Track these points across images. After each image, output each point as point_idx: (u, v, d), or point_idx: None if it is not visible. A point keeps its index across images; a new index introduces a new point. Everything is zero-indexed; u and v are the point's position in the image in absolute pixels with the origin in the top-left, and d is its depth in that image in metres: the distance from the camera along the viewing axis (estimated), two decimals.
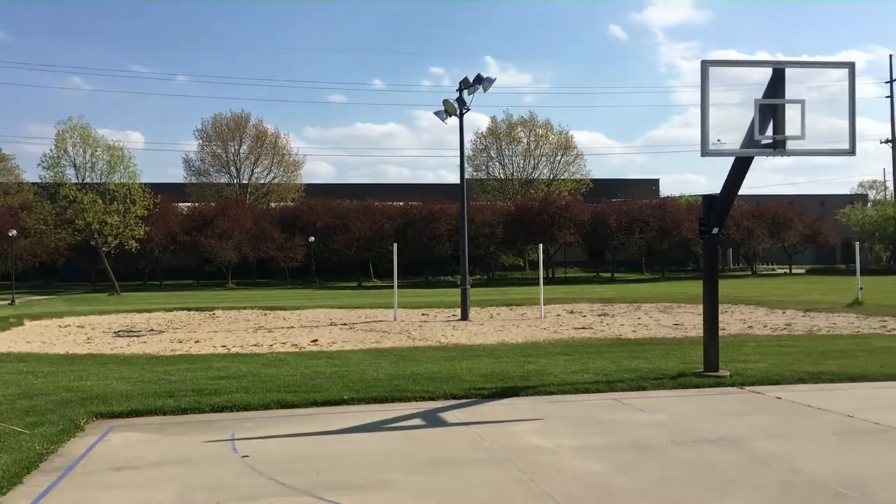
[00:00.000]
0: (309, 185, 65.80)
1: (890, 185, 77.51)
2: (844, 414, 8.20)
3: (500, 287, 44.81)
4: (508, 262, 59.17)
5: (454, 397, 9.37)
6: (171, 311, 26.35)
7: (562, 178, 68.02)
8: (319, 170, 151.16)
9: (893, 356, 12.06)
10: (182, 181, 64.32)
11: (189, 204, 56.16)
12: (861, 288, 25.96)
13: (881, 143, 73.77)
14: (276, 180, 65.34)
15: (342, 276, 53.08)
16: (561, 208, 53.50)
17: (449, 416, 8.46)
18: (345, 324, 20.87)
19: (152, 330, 19.75)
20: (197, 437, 7.58)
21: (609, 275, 55.38)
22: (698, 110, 9.27)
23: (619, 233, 53.84)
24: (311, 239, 50.82)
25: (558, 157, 68.32)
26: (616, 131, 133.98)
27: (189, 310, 26.67)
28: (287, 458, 6.76)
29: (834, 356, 12.13)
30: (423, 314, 24.01)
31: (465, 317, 22.03)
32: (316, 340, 16.52)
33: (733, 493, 5.64)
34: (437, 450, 6.98)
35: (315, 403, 9.05)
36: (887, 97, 72.06)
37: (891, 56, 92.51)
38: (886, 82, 71.95)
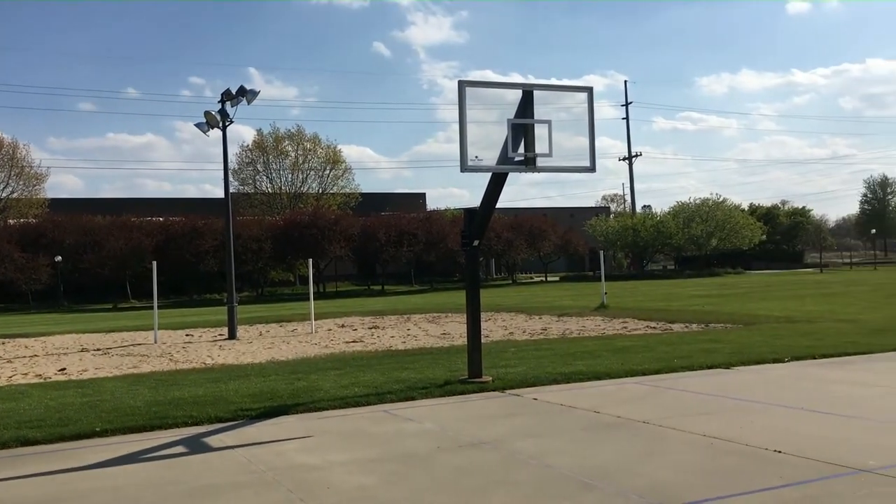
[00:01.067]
0: (54, 200, 60.56)
1: (629, 198, 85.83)
2: (591, 410, 8.92)
3: (270, 303, 43.90)
4: (278, 278, 58.14)
5: (220, 420, 9.00)
6: None
7: (331, 192, 68.29)
8: (66, 183, 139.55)
9: (633, 354, 13.33)
10: None
11: None
12: (606, 293, 28.58)
13: (619, 160, 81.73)
14: (14, 195, 59.56)
15: (96, 297, 49.23)
16: (330, 222, 53.60)
17: (214, 440, 8.11)
18: (98, 349, 19.35)
19: None
20: None
21: (380, 287, 56.23)
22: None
23: (388, 246, 54.87)
24: (58, 258, 46.77)
25: (327, 171, 68.54)
26: (383, 146, 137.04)
27: None
28: (30, 501, 6.12)
29: (583, 357, 13.17)
30: (187, 335, 22.88)
31: (232, 336, 21.31)
32: (64, 369, 15.14)
33: (495, 493, 5.92)
34: (203, 477, 6.66)
35: (63, 438, 8.28)
36: (623, 119, 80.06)
37: (626, 82, 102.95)
38: (622, 105, 79.93)
